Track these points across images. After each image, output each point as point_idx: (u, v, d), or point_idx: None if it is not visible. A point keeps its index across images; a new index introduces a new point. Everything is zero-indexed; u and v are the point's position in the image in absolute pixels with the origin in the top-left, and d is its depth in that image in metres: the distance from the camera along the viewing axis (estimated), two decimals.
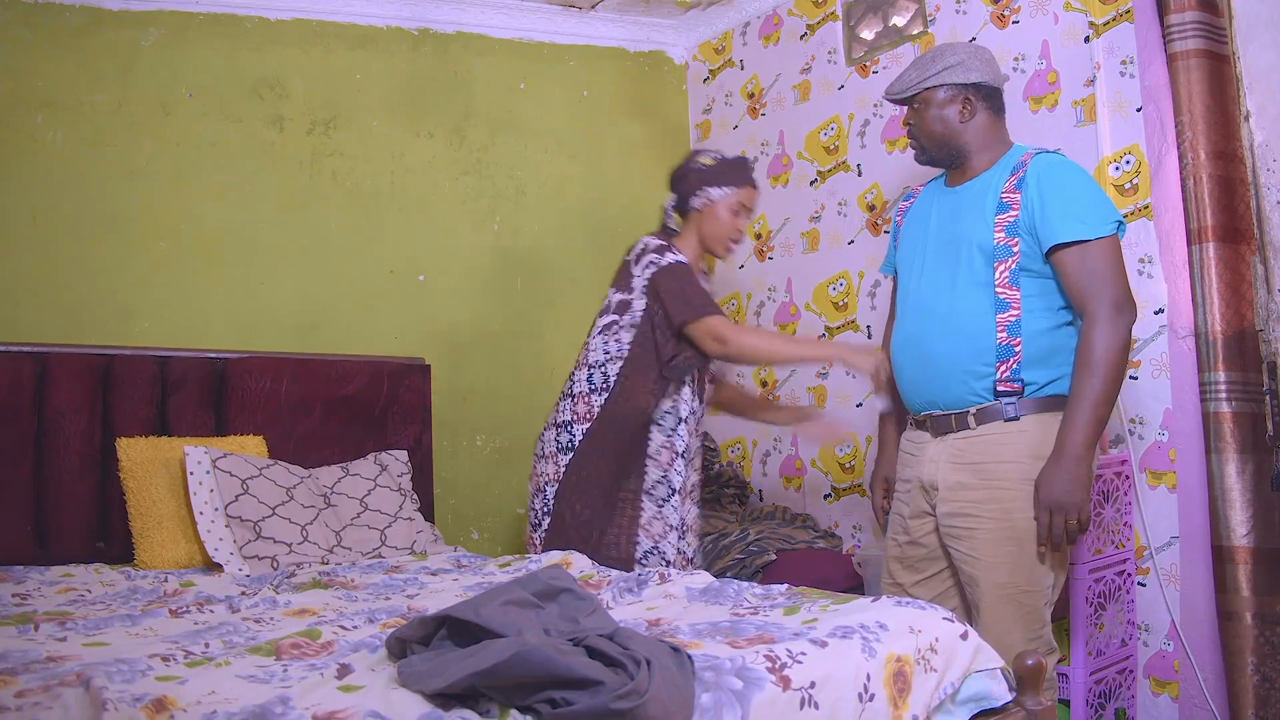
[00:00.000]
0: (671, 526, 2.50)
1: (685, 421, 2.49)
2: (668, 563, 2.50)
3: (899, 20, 3.26)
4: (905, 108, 2.24)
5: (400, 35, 3.49)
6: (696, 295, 2.42)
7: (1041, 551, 2.01)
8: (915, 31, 3.20)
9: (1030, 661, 1.66)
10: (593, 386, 2.50)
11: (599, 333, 2.53)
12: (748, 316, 3.76)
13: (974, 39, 3.02)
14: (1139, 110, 2.64)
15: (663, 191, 3.94)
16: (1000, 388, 2.04)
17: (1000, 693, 1.65)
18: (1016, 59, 2.92)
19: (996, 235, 2.05)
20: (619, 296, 2.51)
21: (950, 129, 2.15)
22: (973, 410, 2.07)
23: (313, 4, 3.32)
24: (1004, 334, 2.03)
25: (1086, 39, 2.75)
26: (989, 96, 2.16)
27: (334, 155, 3.34)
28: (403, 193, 3.45)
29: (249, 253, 3.18)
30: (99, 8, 3.02)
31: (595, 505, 2.48)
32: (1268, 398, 2.38)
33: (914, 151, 2.24)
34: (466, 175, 3.56)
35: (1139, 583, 2.62)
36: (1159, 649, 2.59)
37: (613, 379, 2.48)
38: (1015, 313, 2.03)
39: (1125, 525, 2.59)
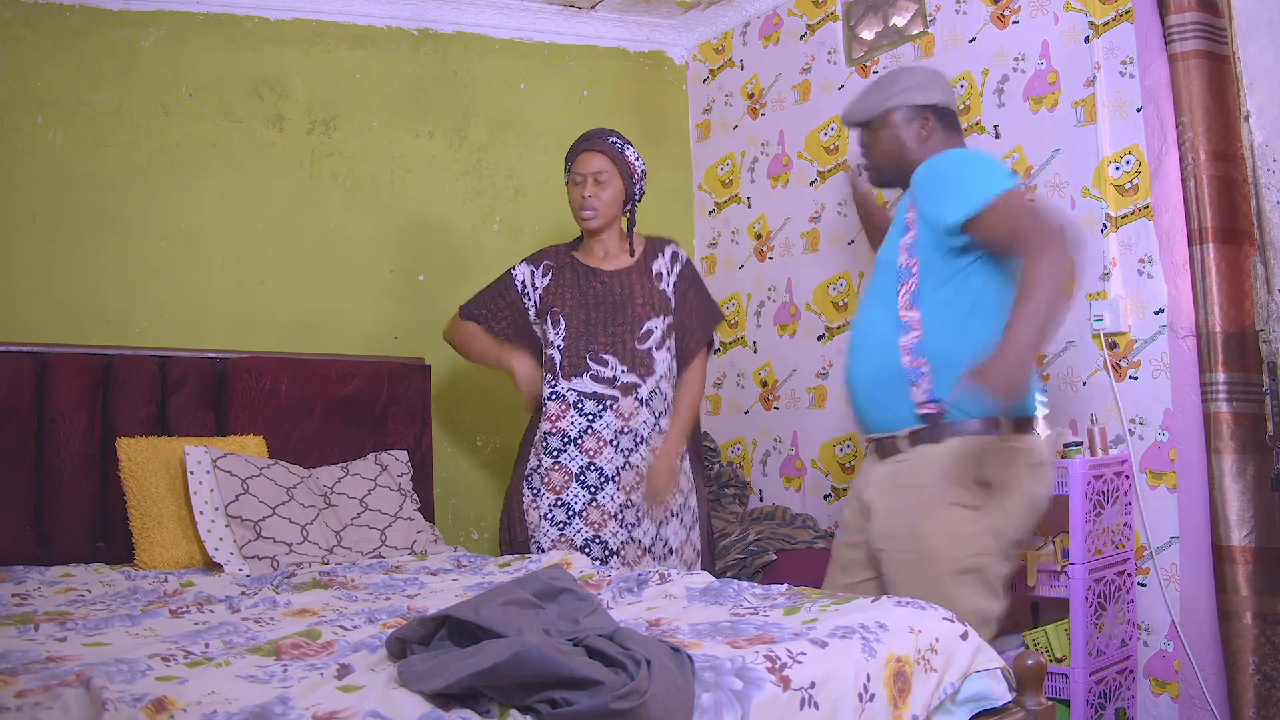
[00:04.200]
0: (575, 512, 2.59)
1: (551, 401, 2.65)
2: (610, 551, 2.58)
3: (899, 20, 3.25)
4: (859, 131, 2.29)
5: (400, 35, 3.48)
6: (476, 295, 2.82)
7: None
8: (915, 31, 3.20)
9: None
10: None
11: None
12: (748, 316, 3.76)
13: (974, 39, 3.02)
14: (1139, 110, 2.64)
15: (662, 192, 3.95)
16: (920, 411, 2.05)
17: (1000, 693, 1.66)
18: (1016, 59, 2.92)
19: (900, 258, 2.09)
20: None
21: (905, 149, 2.19)
22: (903, 433, 2.09)
23: (313, 4, 3.32)
24: (907, 357, 2.05)
25: (1086, 39, 2.75)
26: (945, 118, 2.21)
27: (334, 155, 3.34)
28: (403, 193, 3.45)
29: (249, 253, 3.18)
30: (99, 8, 3.02)
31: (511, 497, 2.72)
32: (1268, 398, 2.38)
33: (868, 174, 2.29)
34: (466, 175, 3.56)
35: (1139, 583, 2.62)
36: (1159, 649, 2.59)
37: None
38: (916, 334, 2.05)
39: (1125, 525, 2.59)
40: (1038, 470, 2.08)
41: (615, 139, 2.69)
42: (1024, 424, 2.06)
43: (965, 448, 2.01)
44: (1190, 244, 2.47)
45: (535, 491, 2.63)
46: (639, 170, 2.71)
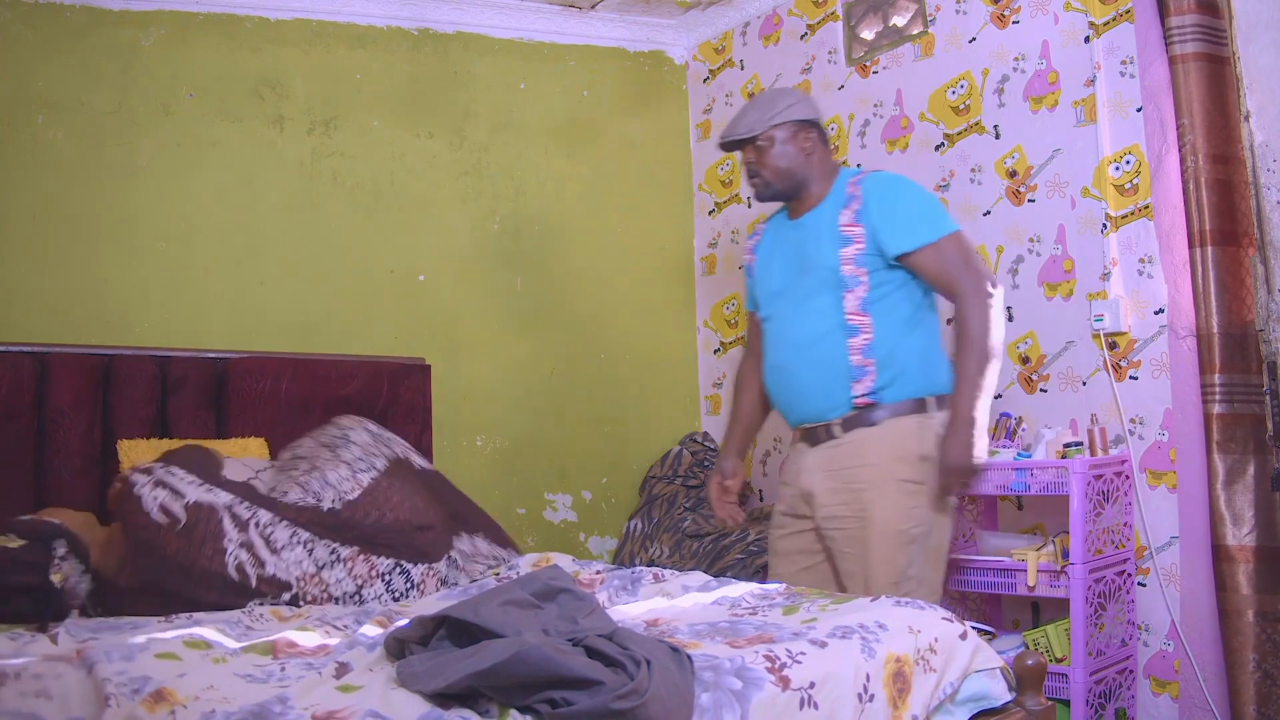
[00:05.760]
0: None
1: None
2: None
3: (899, 20, 3.25)
4: (741, 150, 2.41)
5: (400, 35, 3.48)
6: None
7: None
8: (915, 31, 3.20)
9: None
10: None
11: None
12: (748, 316, 3.75)
13: (974, 39, 3.02)
14: (1139, 110, 2.64)
15: (662, 192, 3.95)
16: (858, 402, 2.24)
17: (999, 692, 1.66)
18: (1016, 59, 2.91)
19: (844, 268, 2.25)
20: None
21: (795, 162, 2.35)
22: (837, 421, 2.27)
23: (313, 4, 3.31)
24: (857, 357, 2.24)
25: (1086, 39, 2.75)
26: (822, 134, 2.39)
27: (334, 155, 3.34)
28: (403, 193, 3.45)
29: (249, 253, 3.18)
30: (99, 8, 3.02)
31: None
32: (1268, 398, 2.38)
33: (755, 189, 2.41)
34: (466, 175, 3.56)
35: (1139, 583, 2.62)
36: (1159, 649, 2.58)
37: None
38: (867, 337, 2.24)
39: (1125, 525, 2.59)
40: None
41: None
42: (945, 401, 2.25)
43: (903, 429, 2.22)
44: (1190, 245, 2.47)
45: None
46: None
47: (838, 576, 2.30)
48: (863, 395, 2.23)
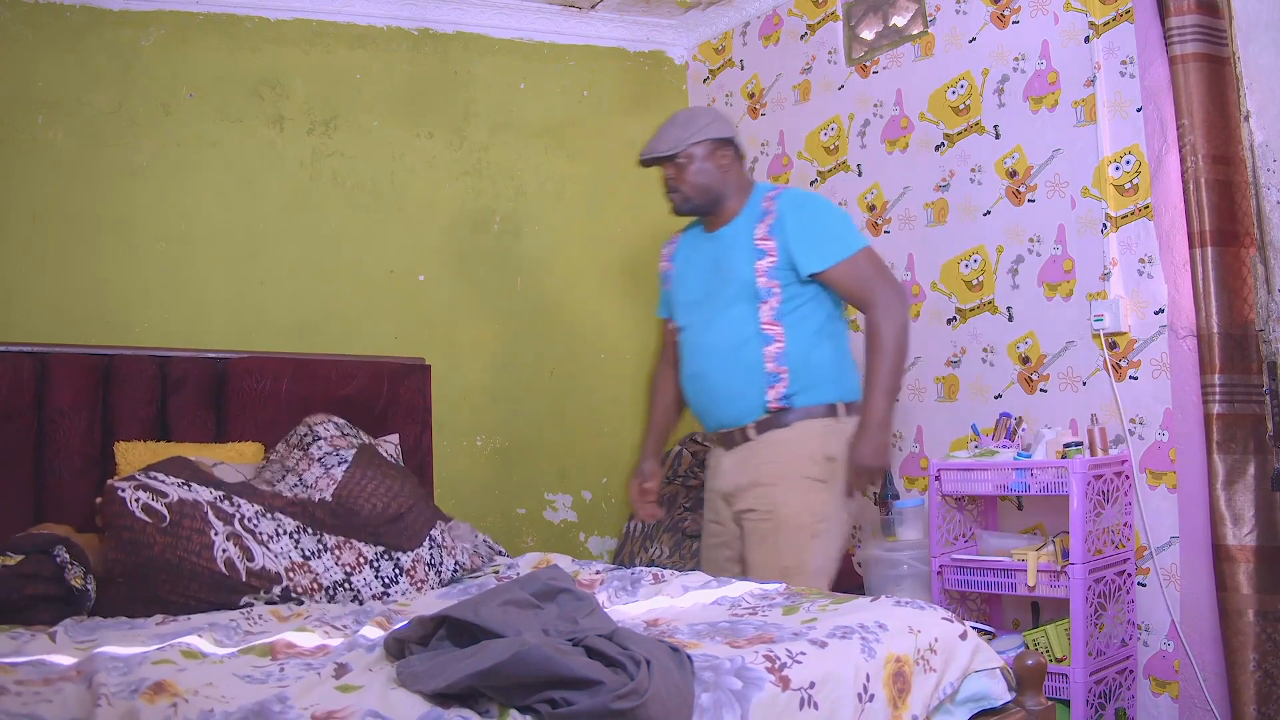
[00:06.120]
0: None
1: None
2: None
3: (899, 20, 3.25)
4: (661, 166, 2.50)
5: (400, 35, 3.48)
6: None
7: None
8: (915, 31, 3.20)
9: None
10: None
11: None
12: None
13: (974, 39, 3.02)
14: (1139, 110, 2.64)
15: (662, 192, 3.94)
16: (771, 407, 2.35)
17: (999, 692, 1.66)
18: (1016, 59, 2.91)
19: (759, 280, 2.36)
20: None
21: (713, 179, 2.45)
22: (752, 424, 2.39)
23: (313, 4, 3.31)
24: (772, 364, 2.35)
25: (1086, 39, 2.75)
26: (737, 149, 2.50)
27: (334, 155, 3.34)
28: (403, 193, 3.45)
29: (249, 253, 3.18)
30: (99, 8, 3.01)
31: None
32: (1268, 398, 2.38)
33: (675, 204, 2.51)
34: (466, 175, 3.56)
35: (1139, 583, 2.62)
36: (1159, 649, 2.59)
37: None
38: (779, 345, 2.35)
39: (1125, 525, 2.59)
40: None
41: None
42: (854, 407, 2.37)
43: (812, 431, 2.34)
44: (1190, 245, 2.48)
45: None
46: None
47: (746, 568, 2.39)
48: (776, 400, 2.34)
